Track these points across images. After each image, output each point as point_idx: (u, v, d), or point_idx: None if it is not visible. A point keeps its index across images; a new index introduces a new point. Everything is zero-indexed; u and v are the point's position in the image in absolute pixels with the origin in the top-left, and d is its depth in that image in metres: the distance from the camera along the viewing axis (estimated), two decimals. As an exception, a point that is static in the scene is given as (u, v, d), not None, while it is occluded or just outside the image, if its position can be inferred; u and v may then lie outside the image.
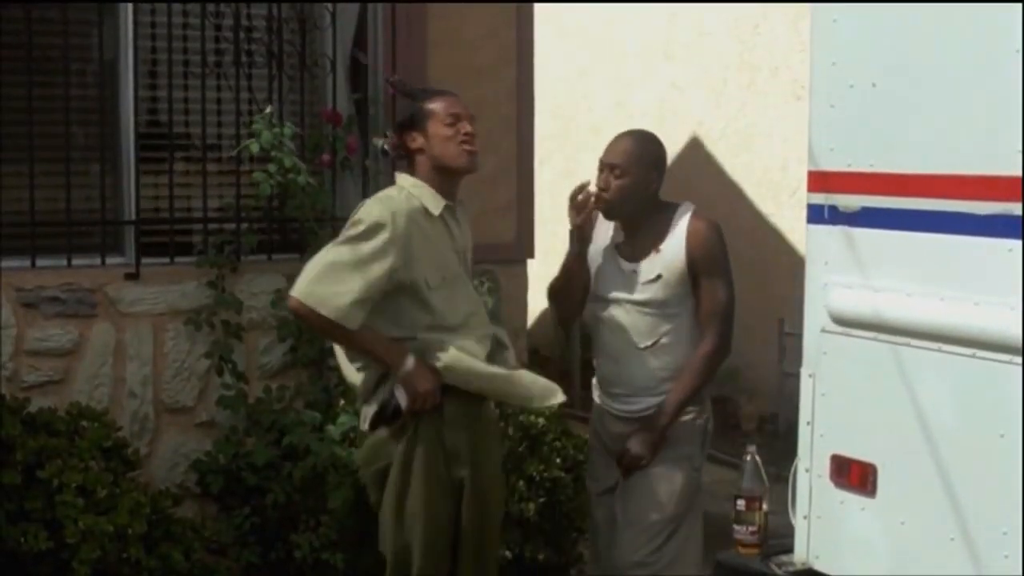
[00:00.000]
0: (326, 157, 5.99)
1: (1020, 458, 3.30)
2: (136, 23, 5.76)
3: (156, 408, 5.73)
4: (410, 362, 4.09)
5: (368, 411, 4.23)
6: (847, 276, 3.79)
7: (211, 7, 5.91)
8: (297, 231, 5.92)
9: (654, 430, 4.39)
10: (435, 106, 4.22)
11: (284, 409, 5.73)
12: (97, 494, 4.95)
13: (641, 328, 4.43)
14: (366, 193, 5.64)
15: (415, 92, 4.37)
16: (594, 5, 10.69)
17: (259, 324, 5.86)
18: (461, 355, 4.14)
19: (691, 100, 9.92)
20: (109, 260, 5.73)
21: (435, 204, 4.19)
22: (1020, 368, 3.30)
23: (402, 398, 4.10)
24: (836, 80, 3.83)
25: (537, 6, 6.65)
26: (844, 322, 3.81)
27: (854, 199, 3.78)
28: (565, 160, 10.39)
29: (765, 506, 4.28)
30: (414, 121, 4.24)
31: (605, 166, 4.44)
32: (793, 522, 4.00)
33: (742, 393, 8.92)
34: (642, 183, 4.43)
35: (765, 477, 4.31)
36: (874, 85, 3.72)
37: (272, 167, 5.70)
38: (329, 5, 6.07)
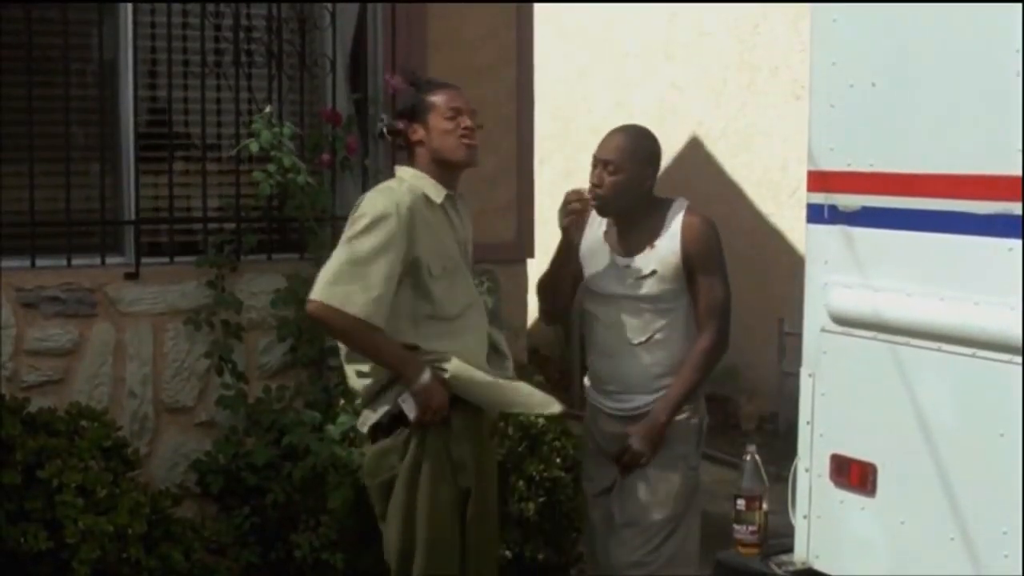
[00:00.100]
0: (326, 157, 5.99)
1: (1020, 458, 3.29)
2: (136, 23, 5.76)
3: (156, 408, 5.73)
4: (426, 376, 4.08)
5: (370, 416, 4.23)
6: (847, 276, 3.79)
7: (211, 7, 5.91)
8: (297, 231, 5.93)
9: (654, 427, 4.39)
10: (437, 99, 4.23)
11: (284, 409, 5.72)
12: (97, 494, 4.95)
13: (635, 324, 4.43)
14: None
15: (420, 83, 4.37)
16: (594, 5, 10.69)
17: (259, 324, 5.86)
18: (466, 366, 4.15)
19: (691, 100, 9.92)
20: (109, 260, 5.73)
21: (436, 193, 4.20)
22: (1020, 368, 3.30)
23: (409, 408, 4.10)
24: (836, 80, 3.83)
25: (537, 6, 6.65)
26: (844, 322, 3.81)
27: (854, 199, 3.78)
28: (565, 160, 10.39)
29: (765, 506, 4.28)
30: (415, 113, 4.25)
31: (599, 162, 4.43)
32: (793, 522, 4.00)
33: (742, 393, 8.92)
34: (636, 179, 4.42)
35: (765, 477, 4.31)
36: (874, 85, 3.72)
37: (272, 167, 5.70)
38: (329, 5, 6.07)
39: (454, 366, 4.13)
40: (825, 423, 3.88)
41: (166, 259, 5.82)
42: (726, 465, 6.94)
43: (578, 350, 8.84)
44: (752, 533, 4.24)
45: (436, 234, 4.18)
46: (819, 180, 3.89)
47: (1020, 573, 3.30)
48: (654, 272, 4.40)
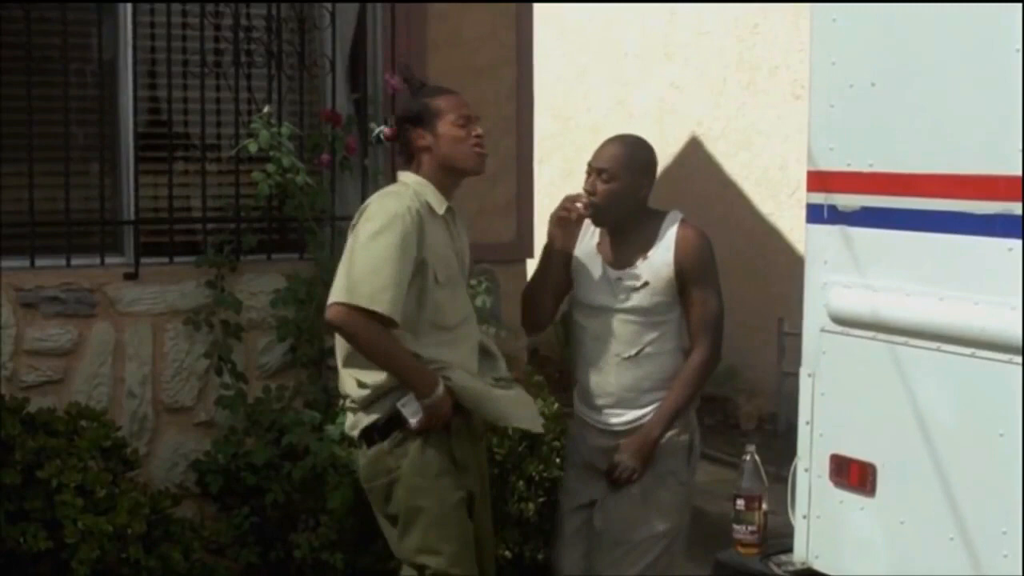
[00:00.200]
0: (325, 157, 5.99)
1: (1020, 458, 3.30)
2: (135, 23, 5.76)
3: (155, 408, 5.73)
4: (440, 390, 4.08)
5: (362, 419, 4.21)
6: (846, 276, 3.79)
7: (211, 7, 5.91)
8: (296, 231, 5.92)
9: (646, 443, 4.36)
10: (445, 105, 4.20)
11: (283, 409, 5.72)
12: (96, 494, 4.95)
13: (625, 337, 4.39)
14: (365, 193, 5.64)
15: (414, 82, 4.35)
16: (594, 5, 10.68)
17: (258, 324, 5.86)
18: (468, 376, 4.16)
19: (690, 100, 9.91)
20: (108, 260, 5.73)
21: (439, 203, 4.19)
22: (1020, 368, 3.30)
23: (409, 414, 4.09)
24: (836, 80, 3.83)
25: (537, 6, 6.64)
26: (843, 321, 3.81)
27: (853, 199, 3.78)
28: (565, 160, 10.39)
29: (765, 506, 4.28)
30: (422, 118, 4.20)
31: (593, 170, 4.40)
32: (793, 522, 4.00)
33: (741, 393, 8.91)
34: (630, 188, 4.39)
35: (765, 477, 4.31)
36: (874, 85, 3.72)
37: (271, 167, 5.70)
38: (328, 5, 6.07)
39: (459, 377, 4.13)
40: (825, 423, 3.88)
41: (165, 259, 5.81)
42: (726, 465, 6.93)
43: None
44: (752, 533, 4.25)
45: (439, 242, 4.18)
46: (819, 180, 3.90)
47: (1020, 573, 3.30)
48: (646, 284, 4.37)
